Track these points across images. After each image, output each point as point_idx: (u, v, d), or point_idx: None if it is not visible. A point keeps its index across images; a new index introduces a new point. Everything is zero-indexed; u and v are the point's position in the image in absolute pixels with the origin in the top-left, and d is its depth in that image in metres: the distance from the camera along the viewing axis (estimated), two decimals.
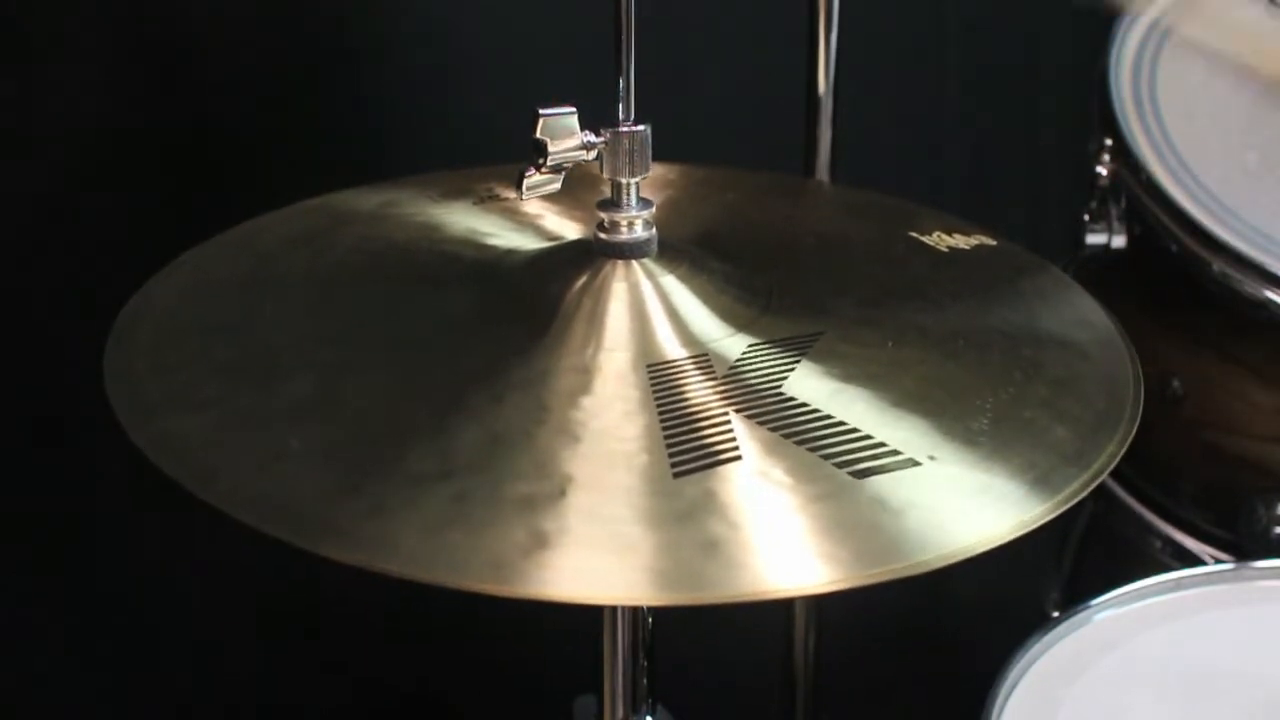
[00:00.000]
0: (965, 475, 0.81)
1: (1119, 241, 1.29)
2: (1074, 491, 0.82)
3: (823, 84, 1.25)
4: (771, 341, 0.89)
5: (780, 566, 0.75)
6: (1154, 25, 1.37)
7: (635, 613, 1.02)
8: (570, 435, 0.81)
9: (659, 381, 0.85)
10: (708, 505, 0.77)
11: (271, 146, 1.48)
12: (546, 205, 1.02)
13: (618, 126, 0.90)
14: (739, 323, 0.90)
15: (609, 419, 0.82)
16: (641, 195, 0.92)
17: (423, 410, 0.84)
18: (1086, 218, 1.29)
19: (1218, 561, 1.26)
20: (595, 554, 0.75)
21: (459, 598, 0.73)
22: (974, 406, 0.86)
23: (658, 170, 0.94)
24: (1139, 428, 0.88)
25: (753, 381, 0.85)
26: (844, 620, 1.39)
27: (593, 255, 0.92)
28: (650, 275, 0.91)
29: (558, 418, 0.82)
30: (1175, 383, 1.27)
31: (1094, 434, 0.86)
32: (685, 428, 0.81)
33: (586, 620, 1.01)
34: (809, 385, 0.85)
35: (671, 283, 0.91)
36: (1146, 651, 1.04)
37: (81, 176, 1.43)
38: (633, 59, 0.90)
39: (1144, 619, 1.07)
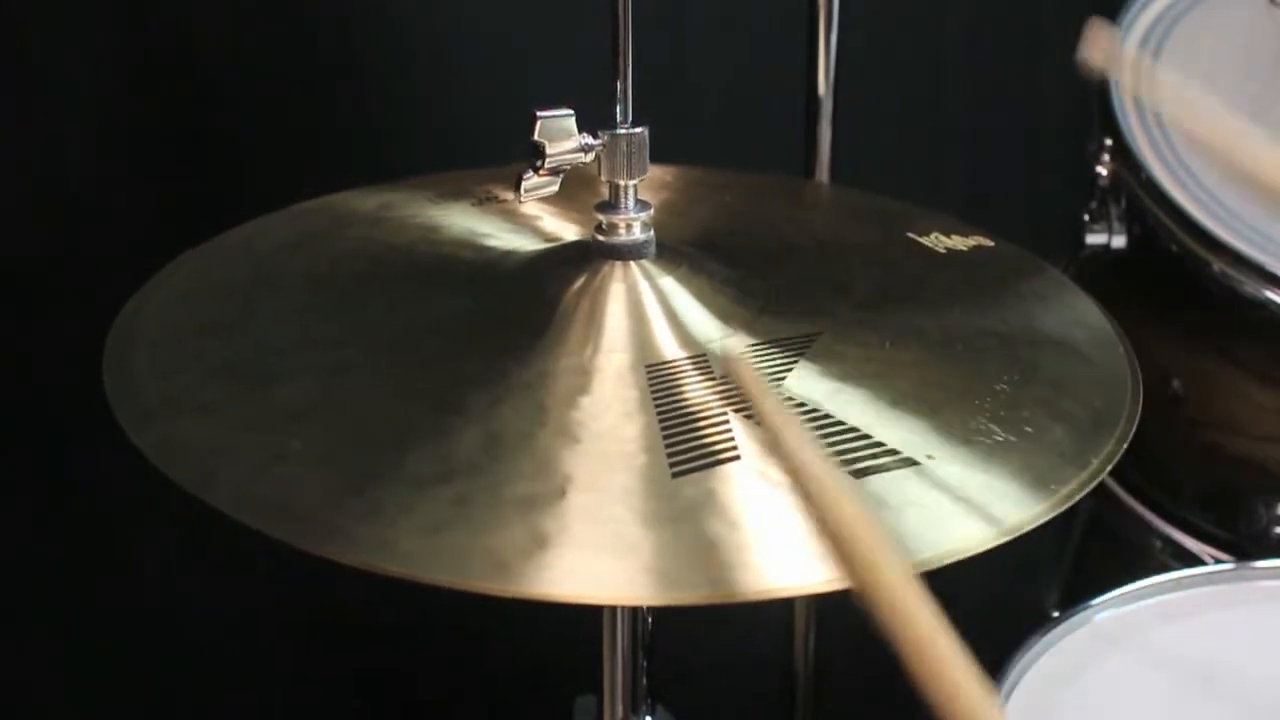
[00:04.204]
0: (964, 475, 0.81)
1: (1119, 241, 1.29)
2: (1072, 491, 0.82)
3: (823, 84, 1.25)
4: (770, 342, 0.89)
5: (780, 566, 0.75)
6: (1154, 25, 1.37)
7: (635, 612, 1.02)
8: (570, 436, 0.81)
9: (658, 382, 0.85)
10: (707, 505, 0.77)
11: (271, 147, 1.48)
12: (545, 207, 1.02)
13: (615, 129, 0.90)
14: (737, 323, 0.90)
15: (608, 420, 0.82)
16: (639, 197, 0.92)
17: (422, 412, 0.84)
18: (1086, 218, 1.29)
19: (1218, 561, 1.26)
20: (595, 554, 0.75)
21: (459, 598, 0.73)
22: (972, 406, 0.86)
23: (656, 171, 0.95)
24: (1139, 428, 0.88)
25: None
26: (844, 620, 1.39)
27: (591, 257, 0.92)
28: (648, 276, 0.91)
29: (557, 419, 0.82)
30: (1175, 383, 1.27)
31: (1092, 434, 0.86)
32: (684, 428, 0.81)
33: (586, 620, 1.01)
34: (807, 385, 0.85)
35: (670, 284, 0.91)
36: (1146, 651, 1.04)
37: (81, 176, 1.43)
38: (630, 60, 0.90)
39: (1144, 619, 1.07)
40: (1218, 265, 1.20)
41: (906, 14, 1.65)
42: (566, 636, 1.00)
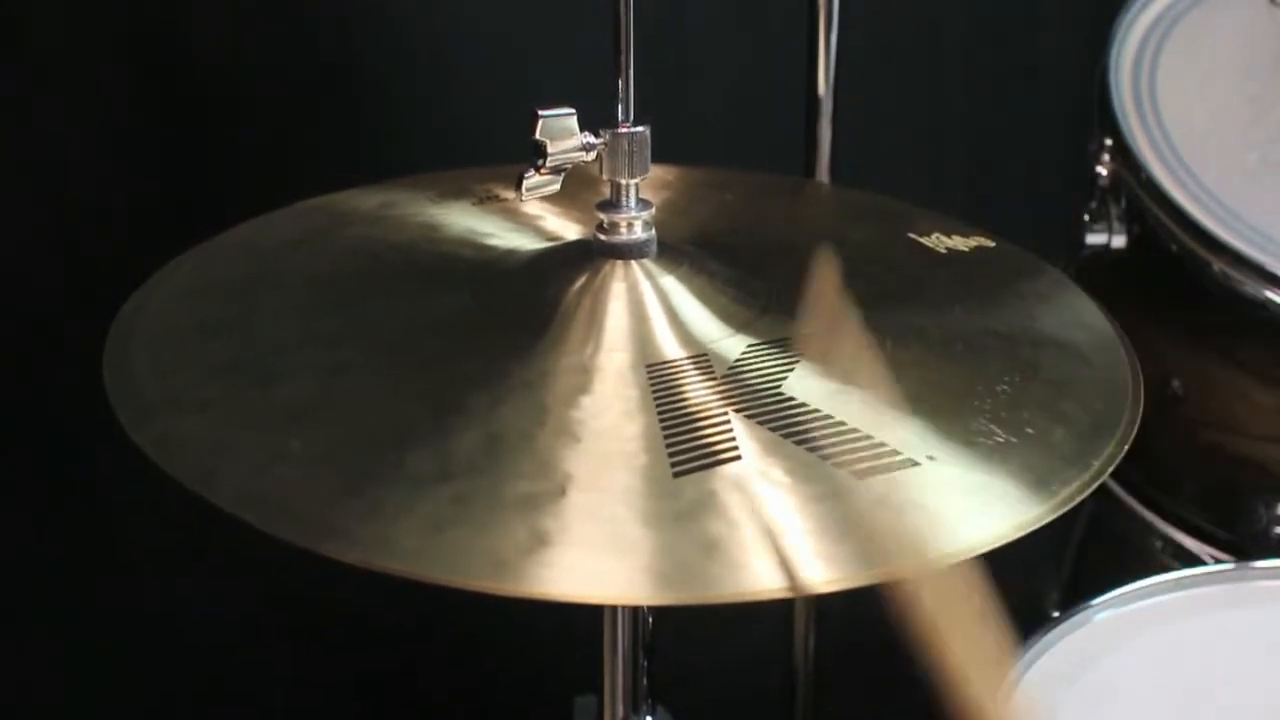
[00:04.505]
0: (964, 476, 0.81)
1: (1119, 241, 1.29)
2: (1073, 493, 0.82)
3: (823, 84, 1.25)
4: (770, 342, 0.89)
5: (780, 566, 0.75)
6: (1154, 25, 1.37)
7: (635, 612, 1.02)
8: (570, 435, 0.81)
9: (658, 382, 0.85)
10: (707, 505, 0.77)
11: (271, 146, 1.48)
12: (546, 206, 1.02)
13: (617, 127, 0.90)
14: (738, 323, 0.90)
15: (609, 419, 0.82)
16: (641, 196, 0.92)
17: (422, 411, 0.84)
18: (1086, 218, 1.29)
19: (1218, 561, 1.26)
20: (595, 553, 0.75)
21: (459, 598, 0.73)
22: (973, 407, 0.86)
23: (657, 171, 0.95)
24: (1139, 428, 0.88)
25: (752, 382, 0.85)
26: (844, 620, 1.39)
27: (592, 256, 0.92)
28: (649, 276, 0.91)
29: (557, 418, 0.82)
30: (1175, 383, 1.27)
31: (1093, 435, 0.86)
32: (685, 428, 0.81)
33: (586, 620, 1.01)
34: (808, 385, 0.85)
35: (671, 283, 0.91)
36: (1146, 651, 1.04)
37: (82, 176, 1.43)
38: (632, 59, 0.90)
39: (1144, 619, 1.07)
40: (1218, 265, 1.20)
41: (906, 14, 1.65)
42: (566, 636, 1.00)
